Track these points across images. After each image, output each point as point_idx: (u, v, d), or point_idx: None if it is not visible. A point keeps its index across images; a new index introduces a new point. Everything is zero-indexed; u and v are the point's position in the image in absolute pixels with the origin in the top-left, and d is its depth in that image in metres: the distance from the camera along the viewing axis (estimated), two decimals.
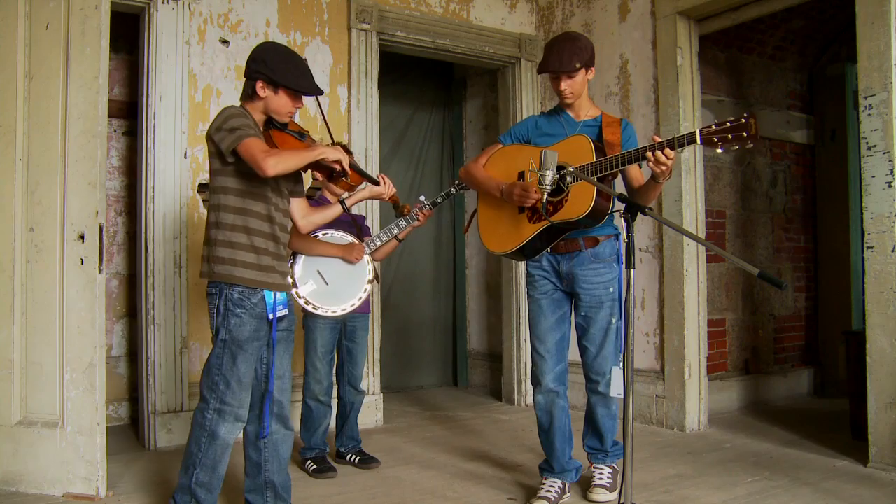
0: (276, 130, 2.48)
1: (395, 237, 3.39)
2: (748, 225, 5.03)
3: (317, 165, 2.43)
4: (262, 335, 2.40)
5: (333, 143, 2.79)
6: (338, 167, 2.40)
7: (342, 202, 2.75)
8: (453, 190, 3.40)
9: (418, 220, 3.32)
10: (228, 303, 2.34)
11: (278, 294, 2.43)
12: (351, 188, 2.67)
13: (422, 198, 3.39)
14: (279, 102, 2.40)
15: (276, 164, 2.21)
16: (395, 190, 2.77)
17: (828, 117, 5.32)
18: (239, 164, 2.31)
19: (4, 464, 2.97)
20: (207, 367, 2.38)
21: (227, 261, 2.35)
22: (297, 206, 2.62)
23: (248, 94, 2.42)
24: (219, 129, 2.30)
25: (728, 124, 2.33)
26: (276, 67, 2.35)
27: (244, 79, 2.43)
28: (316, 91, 2.44)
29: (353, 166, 2.54)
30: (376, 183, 2.70)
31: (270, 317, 2.39)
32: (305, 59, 2.55)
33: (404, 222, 3.33)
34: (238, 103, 2.47)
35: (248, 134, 2.26)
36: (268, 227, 2.40)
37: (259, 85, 2.37)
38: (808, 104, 5.40)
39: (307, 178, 3.11)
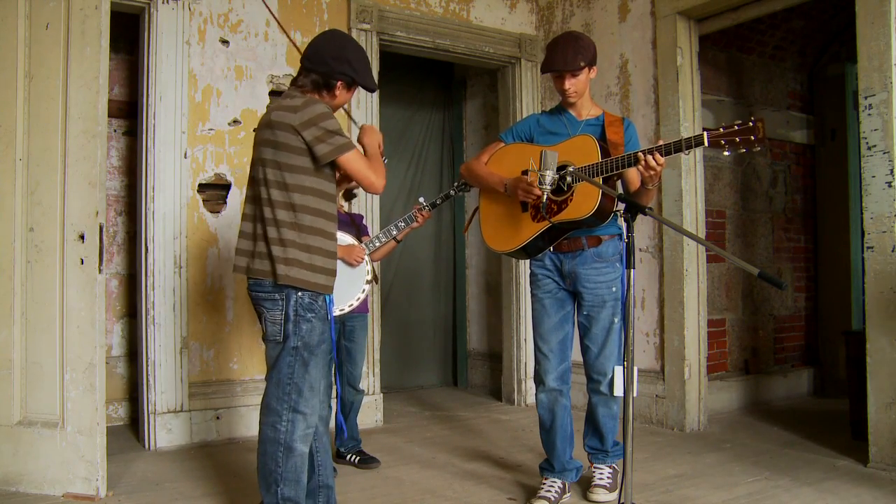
0: None
1: (394, 238, 3.39)
2: (748, 225, 5.03)
3: None
4: (328, 337, 2.36)
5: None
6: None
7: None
8: (452, 192, 3.39)
9: (417, 221, 3.31)
10: (300, 308, 2.26)
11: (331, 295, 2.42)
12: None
13: (421, 199, 3.38)
14: (345, 98, 2.42)
15: (382, 181, 2.34)
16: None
17: (828, 117, 5.33)
18: (330, 168, 2.30)
19: (4, 464, 2.97)
20: (276, 377, 2.28)
21: (306, 265, 2.26)
22: None
23: (319, 90, 2.34)
24: (310, 125, 2.22)
25: (736, 127, 2.33)
26: (359, 69, 2.36)
27: (313, 73, 2.33)
28: (376, 87, 2.51)
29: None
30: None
31: (330, 318, 2.37)
32: None
33: (403, 223, 3.32)
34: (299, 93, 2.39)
35: (350, 144, 2.28)
36: (334, 229, 2.38)
37: (340, 85, 2.36)
38: (808, 104, 5.40)
39: None
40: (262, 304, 2.32)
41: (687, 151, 2.48)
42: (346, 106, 2.62)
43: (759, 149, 2.35)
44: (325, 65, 2.32)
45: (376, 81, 2.53)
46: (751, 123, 2.30)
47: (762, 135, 2.29)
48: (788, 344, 5.22)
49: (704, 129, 2.42)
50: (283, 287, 2.26)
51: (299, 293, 2.26)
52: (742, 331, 4.94)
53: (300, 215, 2.26)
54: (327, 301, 2.36)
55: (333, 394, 3.50)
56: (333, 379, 3.50)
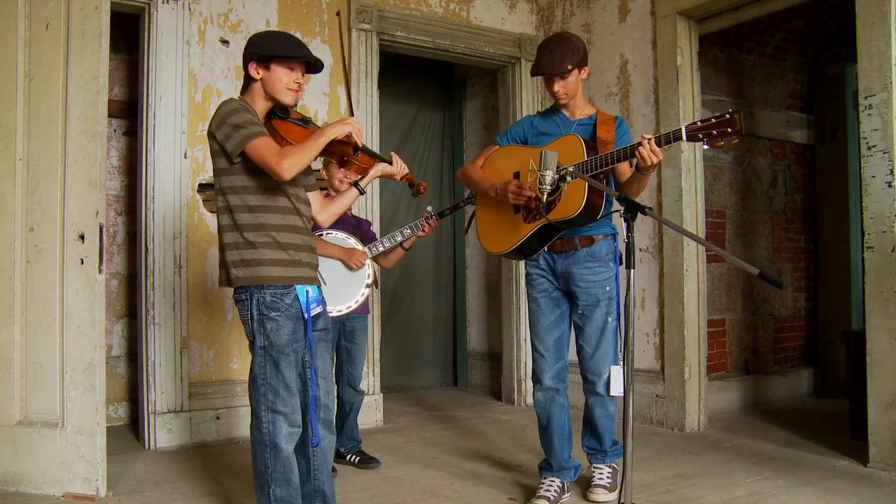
0: (278, 120, 2.36)
1: (401, 245, 3.39)
2: (748, 225, 5.03)
3: (328, 150, 2.35)
4: (301, 336, 2.31)
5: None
6: (350, 142, 2.32)
7: (357, 185, 2.65)
8: (462, 203, 3.43)
9: (423, 230, 3.32)
10: (262, 307, 2.23)
11: (311, 290, 2.34)
12: (364, 171, 2.53)
13: (429, 208, 3.40)
14: (275, 77, 2.26)
15: (290, 166, 2.13)
16: (407, 169, 2.62)
17: (828, 117, 5.32)
18: (247, 162, 2.21)
19: (4, 464, 2.97)
20: (252, 379, 2.29)
21: (252, 262, 2.24)
22: (313, 199, 2.52)
23: (246, 84, 2.32)
24: (220, 125, 2.20)
25: (713, 120, 2.33)
26: (262, 44, 2.26)
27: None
28: (309, 56, 2.31)
29: (363, 148, 2.45)
30: (389, 162, 2.56)
31: (305, 316, 2.31)
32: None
33: (409, 230, 3.33)
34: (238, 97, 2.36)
35: (256, 133, 2.17)
36: (296, 220, 2.31)
37: (252, 67, 2.26)
38: (808, 104, 5.40)
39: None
40: (236, 307, 2.34)
41: (667, 146, 2.48)
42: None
43: (736, 141, 2.34)
44: (242, 61, 2.33)
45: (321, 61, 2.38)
46: (727, 116, 2.30)
47: (739, 127, 2.27)
48: (788, 344, 5.22)
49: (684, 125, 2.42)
50: (246, 287, 2.26)
51: (262, 292, 2.24)
52: (742, 331, 4.93)
53: (237, 215, 2.25)
54: (300, 296, 2.29)
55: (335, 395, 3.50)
56: (334, 379, 3.51)
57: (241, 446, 3.82)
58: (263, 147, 2.15)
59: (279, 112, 2.36)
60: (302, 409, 2.37)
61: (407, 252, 3.49)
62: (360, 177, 2.62)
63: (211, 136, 2.26)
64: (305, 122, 2.43)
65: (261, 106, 2.31)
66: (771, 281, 1.93)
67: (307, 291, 2.33)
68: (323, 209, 2.60)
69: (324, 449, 2.47)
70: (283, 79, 2.29)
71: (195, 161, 3.93)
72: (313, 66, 2.37)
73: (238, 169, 2.24)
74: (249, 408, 2.34)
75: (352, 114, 3.99)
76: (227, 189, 2.27)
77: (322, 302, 2.43)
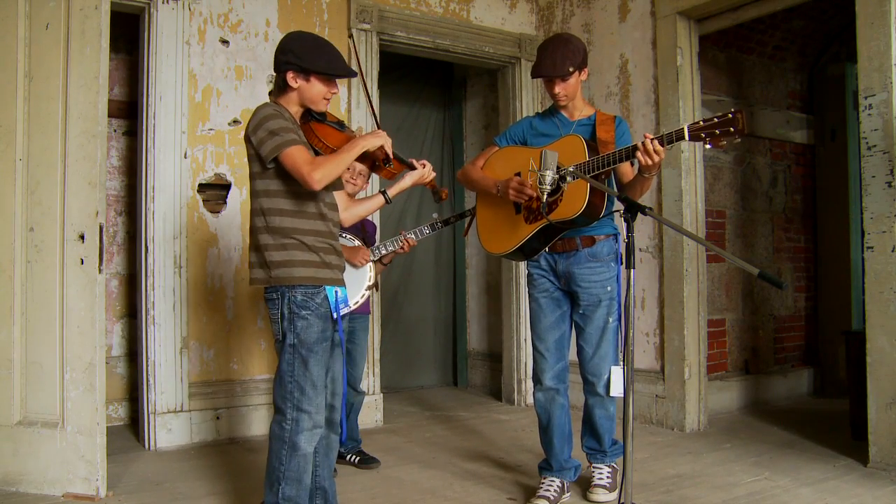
0: (316, 123, 2.40)
1: (379, 260, 3.38)
2: (748, 225, 5.03)
3: (360, 156, 2.39)
4: (329, 335, 2.35)
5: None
6: (381, 154, 2.38)
7: (384, 193, 2.68)
8: (467, 212, 3.44)
9: (402, 248, 3.33)
10: (293, 305, 2.27)
11: (339, 291, 2.39)
12: (392, 177, 2.56)
13: (434, 215, 3.39)
14: (313, 91, 2.33)
15: (322, 178, 2.19)
16: (434, 174, 2.67)
17: (828, 117, 5.32)
18: (280, 167, 2.26)
19: (4, 464, 2.97)
20: (279, 376, 2.30)
21: (284, 263, 2.28)
22: (338, 198, 2.55)
23: (280, 88, 2.34)
24: (255, 130, 2.24)
25: (715, 120, 2.33)
26: (304, 55, 2.28)
27: (274, 73, 2.36)
28: (349, 73, 2.38)
29: (395, 156, 2.49)
30: (414, 168, 2.61)
31: (335, 315, 2.35)
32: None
33: (391, 245, 3.33)
34: (269, 99, 2.40)
35: (290, 141, 2.21)
36: (322, 225, 2.35)
37: (290, 76, 2.29)
38: (808, 104, 5.40)
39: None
40: (266, 305, 2.38)
41: (669, 146, 2.48)
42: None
43: (738, 140, 2.34)
44: (275, 63, 2.35)
45: (354, 69, 2.44)
46: (730, 115, 2.29)
47: (742, 126, 2.27)
48: (788, 344, 5.22)
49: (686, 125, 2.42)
50: (277, 287, 2.30)
51: (292, 291, 2.28)
52: (742, 331, 4.93)
53: (270, 218, 2.30)
54: (331, 297, 2.34)
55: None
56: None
57: (241, 446, 3.82)
58: (297, 156, 2.20)
59: (316, 114, 2.40)
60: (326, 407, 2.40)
61: (385, 267, 3.49)
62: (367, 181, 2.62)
63: (247, 140, 2.30)
64: (341, 125, 2.47)
65: (294, 110, 2.37)
66: (771, 281, 1.93)
67: (336, 292, 2.38)
68: (347, 209, 2.63)
69: (327, 447, 2.48)
70: (321, 91, 2.35)
71: (195, 161, 3.93)
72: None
73: (271, 174, 2.29)
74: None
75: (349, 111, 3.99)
76: (260, 193, 2.32)
77: (347, 304, 2.46)
